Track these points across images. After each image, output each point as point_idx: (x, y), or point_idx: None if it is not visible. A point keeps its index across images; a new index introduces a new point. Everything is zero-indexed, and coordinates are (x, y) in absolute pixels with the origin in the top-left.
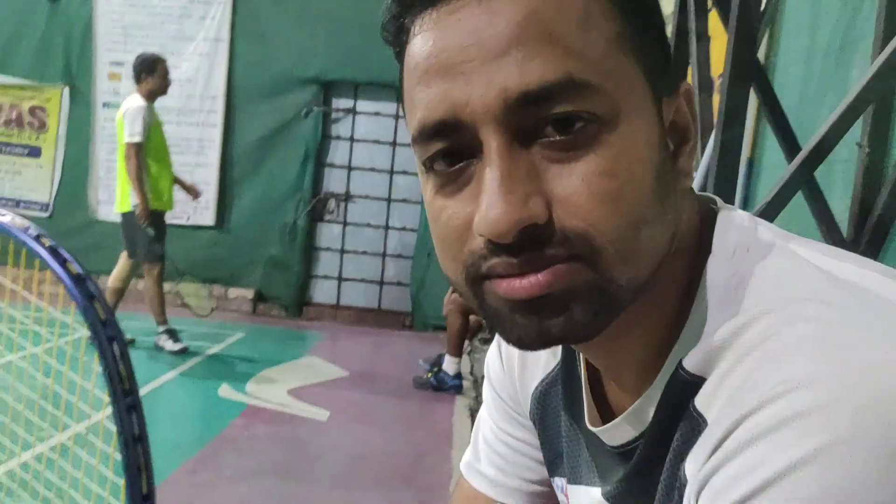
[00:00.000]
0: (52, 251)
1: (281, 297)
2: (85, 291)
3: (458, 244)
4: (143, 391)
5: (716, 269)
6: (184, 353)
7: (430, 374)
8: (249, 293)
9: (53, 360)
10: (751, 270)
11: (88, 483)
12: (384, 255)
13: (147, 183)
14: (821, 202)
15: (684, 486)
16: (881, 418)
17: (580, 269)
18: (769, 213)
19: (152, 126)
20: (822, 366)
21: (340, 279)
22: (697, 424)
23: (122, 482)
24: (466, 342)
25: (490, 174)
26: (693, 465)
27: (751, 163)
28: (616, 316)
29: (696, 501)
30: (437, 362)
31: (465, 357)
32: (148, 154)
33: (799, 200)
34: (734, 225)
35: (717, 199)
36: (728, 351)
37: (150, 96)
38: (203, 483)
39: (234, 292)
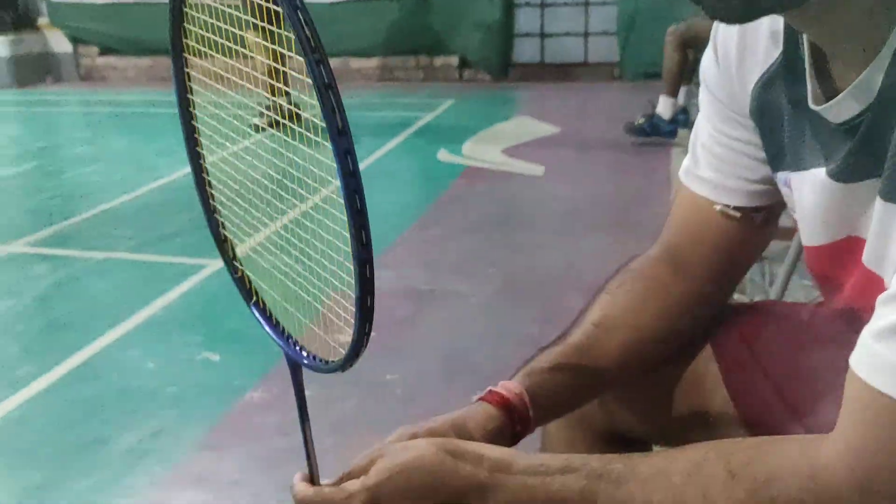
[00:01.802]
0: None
1: (485, 61)
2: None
3: None
4: (368, 161)
5: None
6: None
7: (642, 120)
8: (454, 60)
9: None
10: None
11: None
12: (587, 3)
13: None
14: None
15: None
16: None
17: None
18: None
19: None
20: None
21: (543, 35)
22: None
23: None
24: (683, 86)
25: None
26: None
27: None
28: None
29: None
30: (651, 109)
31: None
32: None
33: None
34: None
35: None
36: None
37: None
38: (434, 237)
39: (439, 60)
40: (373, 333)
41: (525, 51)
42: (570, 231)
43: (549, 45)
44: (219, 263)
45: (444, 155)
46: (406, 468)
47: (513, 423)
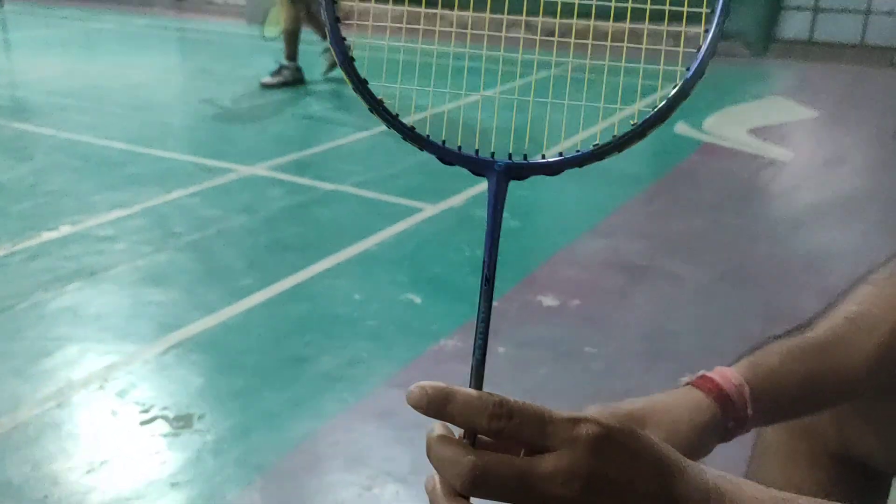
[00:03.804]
0: None
1: (744, 33)
2: None
3: None
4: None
5: None
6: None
7: None
8: None
9: None
10: None
11: None
12: None
13: None
14: None
15: None
16: None
17: None
18: None
19: None
20: None
21: (816, 10)
22: None
23: None
24: None
25: None
26: None
27: None
28: None
29: None
30: None
31: None
32: None
33: None
34: None
35: None
36: None
37: None
38: (658, 212)
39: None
40: (577, 302)
41: (792, 25)
42: (813, 225)
43: (821, 20)
44: (436, 209)
45: (682, 128)
46: (635, 435)
47: (725, 419)
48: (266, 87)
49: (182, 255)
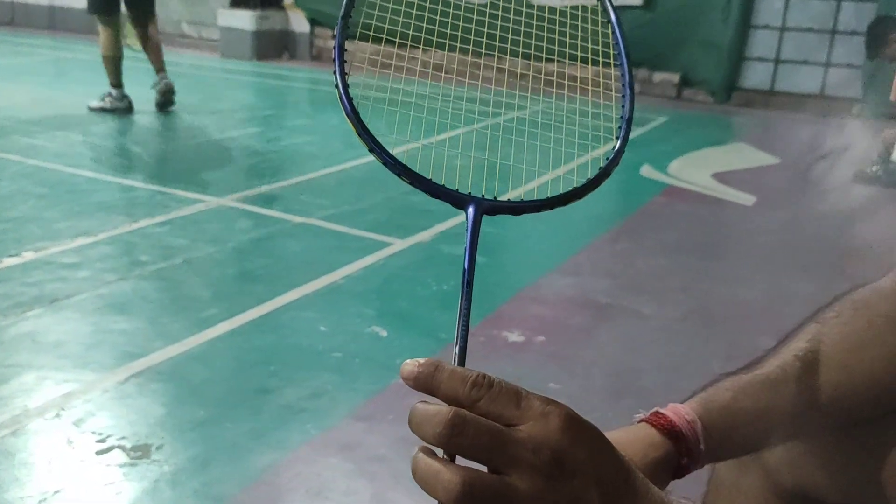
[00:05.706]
0: None
1: (708, 82)
2: None
3: None
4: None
5: None
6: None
7: (876, 167)
8: (674, 77)
9: None
10: None
11: None
12: (833, 31)
13: None
14: None
15: None
16: None
17: None
18: None
19: None
20: None
21: (777, 61)
22: None
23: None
24: None
25: None
26: None
27: None
28: None
29: None
30: (886, 152)
31: None
32: None
33: None
34: None
35: None
36: None
37: None
38: (622, 251)
39: (658, 76)
40: (542, 338)
41: (754, 75)
42: (774, 268)
43: (782, 71)
44: (404, 244)
45: (647, 171)
46: (603, 435)
47: (679, 455)
48: (92, 110)
49: (147, 284)
